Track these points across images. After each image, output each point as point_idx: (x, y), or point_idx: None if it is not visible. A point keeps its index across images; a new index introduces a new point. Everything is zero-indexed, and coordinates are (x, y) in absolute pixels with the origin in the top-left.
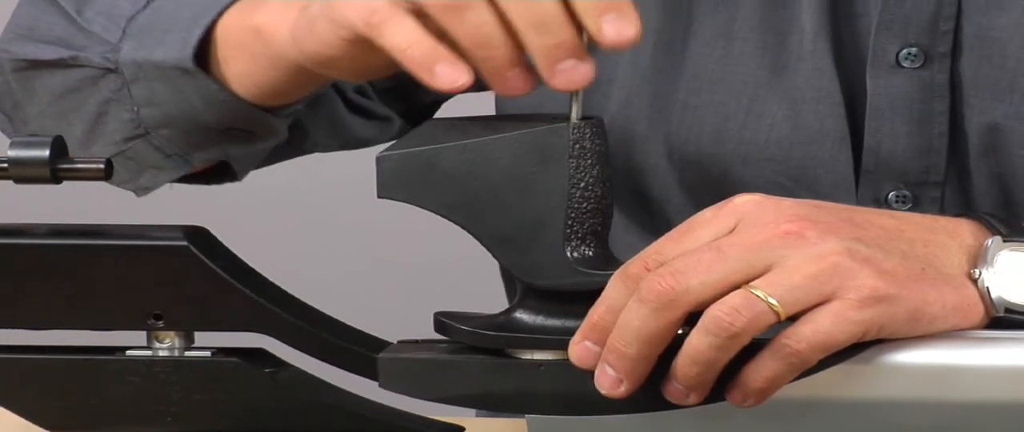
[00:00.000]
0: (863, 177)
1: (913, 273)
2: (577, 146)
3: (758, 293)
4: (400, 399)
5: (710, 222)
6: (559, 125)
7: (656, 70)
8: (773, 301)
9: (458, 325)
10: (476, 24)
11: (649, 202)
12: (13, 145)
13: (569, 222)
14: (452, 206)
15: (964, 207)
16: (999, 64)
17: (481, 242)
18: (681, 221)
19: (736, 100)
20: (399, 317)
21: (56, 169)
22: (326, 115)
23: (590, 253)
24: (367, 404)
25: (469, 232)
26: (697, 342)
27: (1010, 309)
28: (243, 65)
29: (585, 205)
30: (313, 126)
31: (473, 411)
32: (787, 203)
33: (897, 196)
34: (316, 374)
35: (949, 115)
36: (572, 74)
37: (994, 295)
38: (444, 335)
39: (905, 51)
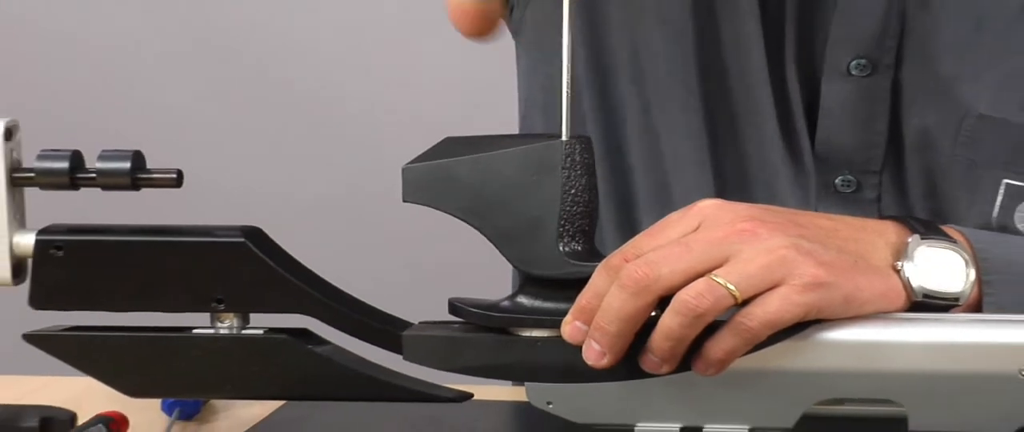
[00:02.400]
0: (817, 166)
1: (847, 264)
2: (569, 159)
3: (719, 280)
4: (421, 370)
5: (678, 222)
6: (554, 142)
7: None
8: (731, 287)
9: (468, 308)
10: None
11: (630, 208)
12: (100, 158)
13: (561, 222)
14: (465, 209)
15: (899, 193)
16: (934, 76)
17: (488, 239)
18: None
19: None
20: (419, 302)
21: (136, 178)
22: None
23: (579, 248)
24: (393, 374)
25: (478, 230)
26: (669, 321)
27: (927, 295)
28: None
29: (575, 208)
30: None
31: (482, 380)
32: (742, 206)
33: (843, 182)
34: (351, 349)
35: (889, 116)
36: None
37: (914, 284)
38: (457, 317)
39: (855, 62)
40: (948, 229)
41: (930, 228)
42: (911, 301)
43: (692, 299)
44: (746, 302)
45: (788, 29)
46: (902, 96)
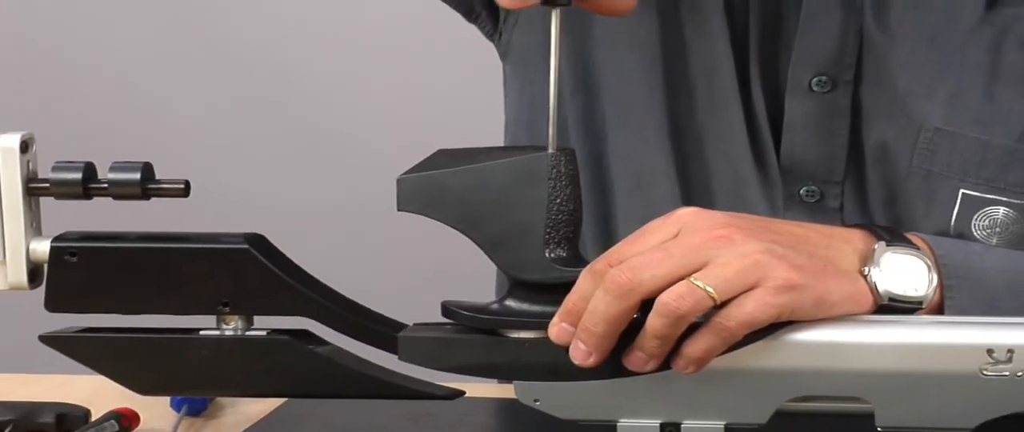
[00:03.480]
0: (783, 177)
1: (818, 268)
2: (554, 171)
3: (698, 283)
4: (415, 369)
5: (658, 229)
6: (540, 154)
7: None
8: (710, 289)
9: (460, 311)
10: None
11: (608, 218)
12: (111, 169)
13: (547, 230)
14: (456, 217)
15: (861, 202)
16: (891, 91)
17: (478, 245)
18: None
19: None
20: (414, 305)
21: (146, 188)
22: None
23: (564, 254)
24: (389, 373)
25: (469, 238)
26: (654, 322)
27: (893, 298)
28: None
29: (560, 216)
30: None
31: (473, 378)
32: (718, 214)
33: (808, 192)
34: (349, 349)
35: (849, 130)
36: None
37: (881, 288)
38: (449, 319)
39: (816, 79)
40: (911, 236)
41: (895, 235)
42: (877, 304)
43: (674, 302)
44: (724, 304)
45: (753, 49)
46: (862, 111)
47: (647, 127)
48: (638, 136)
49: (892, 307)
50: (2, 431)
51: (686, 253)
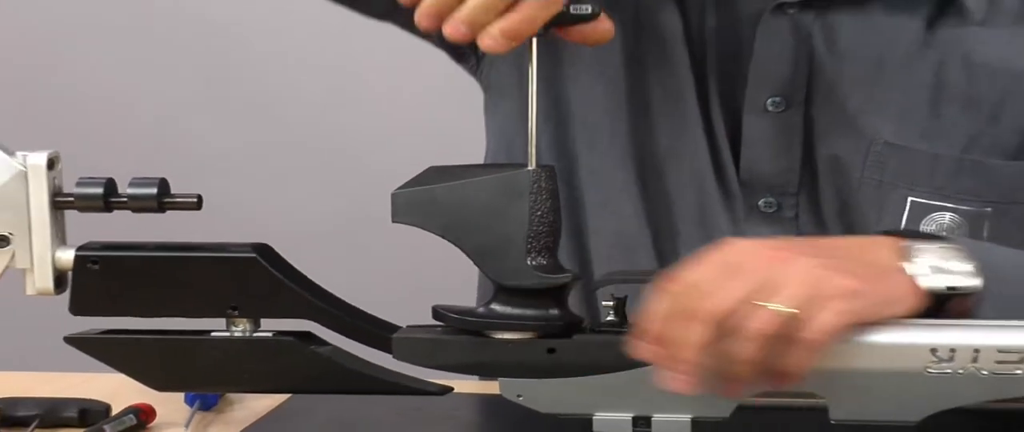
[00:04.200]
0: (742, 190)
1: (872, 273)
2: (535, 186)
3: (775, 306)
4: (408, 367)
5: (716, 257)
6: (523, 171)
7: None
8: (791, 309)
9: (450, 314)
10: None
11: (580, 233)
12: (131, 184)
13: (529, 240)
14: (446, 228)
15: (814, 212)
16: (842, 110)
17: (466, 254)
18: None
19: None
20: (407, 308)
21: (162, 202)
22: None
23: (544, 262)
24: (385, 371)
25: (457, 247)
26: (747, 348)
27: (951, 288)
28: None
29: (541, 228)
30: None
31: (461, 375)
32: (763, 240)
33: (766, 203)
34: (348, 349)
35: (802, 146)
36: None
37: (934, 283)
38: (440, 321)
39: (771, 100)
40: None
41: (915, 236)
42: (932, 297)
43: (761, 326)
44: (802, 320)
45: (712, 74)
46: (813, 128)
47: (614, 149)
48: (606, 158)
49: (948, 297)
50: (29, 425)
51: (754, 277)
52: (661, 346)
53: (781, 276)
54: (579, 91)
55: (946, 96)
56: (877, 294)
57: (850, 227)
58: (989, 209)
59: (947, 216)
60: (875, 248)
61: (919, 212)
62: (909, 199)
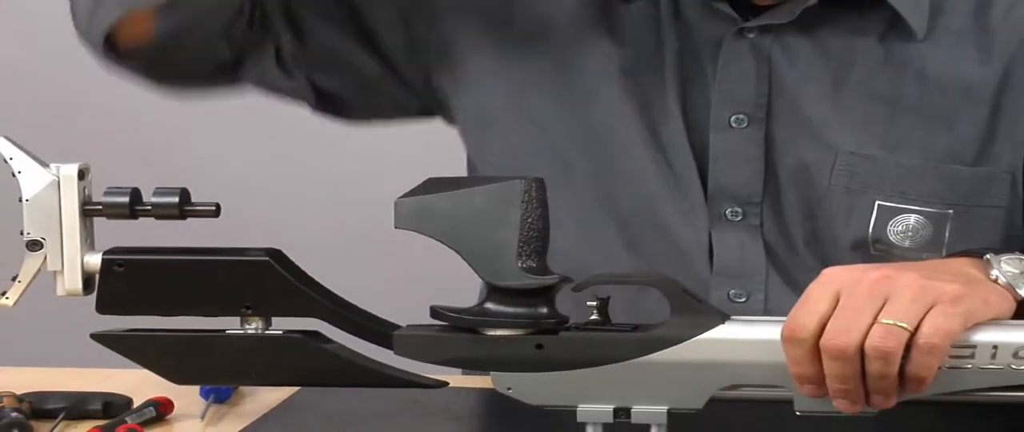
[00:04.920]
0: (710, 200)
1: (965, 280)
2: (527, 195)
3: (890, 322)
4: (408, 362)
5: (821, 291)
6: (515, 181)
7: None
8: (903, 324)
9: (447, 313)
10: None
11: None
12: (154, 194)
13: (521, 244)
14: (444, 234)
15: (778, 218)
16: (806, 124)
17: (462, 257)
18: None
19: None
20: (407, 308)
21: (183, 210)
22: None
23: (534, 265)
24: (386, 366)
25: (454, 251)
26: (874, 367)
27: None
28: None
29: (531, 234)
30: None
31: (457, 371)
32: (857, 266)
33: (732, 212)
34: (352, 346)
35: (764, 159)
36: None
37: (1019, 289)
38: (437, 320)
39: (734, 117)
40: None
41: (988, 249)
42: (1017, 301)
43: (881, 344)
44: (916, 330)
45: (679, 95)
46: (776, 141)
47: (579, 175)
48: (574, 189)
49: None
50: (56, 417)
51: (866, 302)
52: (817, 386)
53: (889, 294)
54: (542, 136)
55: (903, 108)
56: (978, 297)
57: (815, 232)
58: (951, 211)
59: (912, 218)
60: (958, 264)
61: (886, 215)
62: (876, 203)
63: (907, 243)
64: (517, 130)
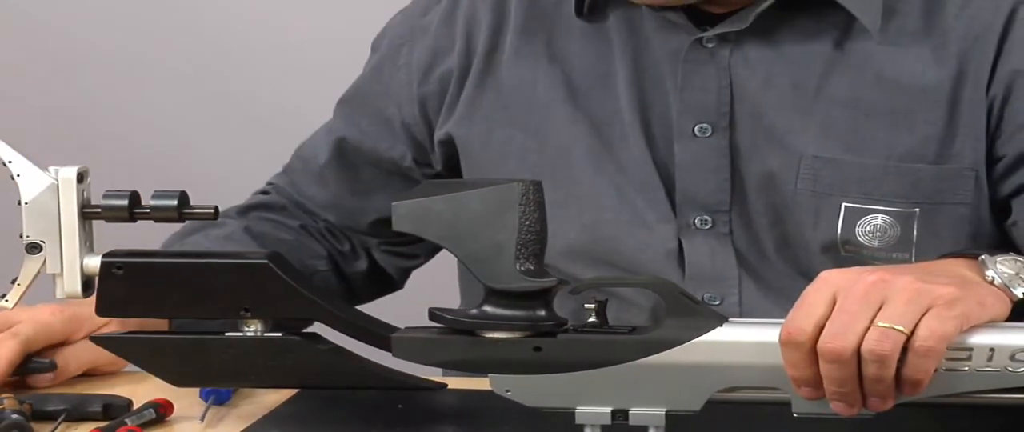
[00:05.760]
0: (678, 209)
1: (959, 282)
2: (524, 198)
3: (886, 325)
4: (406, 365)
5: (818, 294)
6: (512, 184)
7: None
8: (899, 327)
9: (445, 315)
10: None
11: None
12: (153, 196)
13: (518, 247)
14: (442, 236)
15: (746, 225)
16: (769, 131)
17: (460, 259)
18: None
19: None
20: (405, 310)
21: (181, 213)
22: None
23: (532, 267)
24: (384, 368)
25: (452, 253)
26: (870, 370)
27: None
28: None
29: (529, 236)
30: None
31: (455, 372)
32: (853, 269)
33: (700, 220)
34: (351, 348)
35: (730, 167)
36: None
37: (1015, 289)
38: (435, 322)
39: (698, 126)
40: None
41: (983, 251)
42: (1013, 302)
43: (877, 347)
44: (912, 333)
45: (641, 107)
46: (740, 149)
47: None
48: (571, 187)
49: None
50: (57, 419)
51: (862, 306)
52: (814, 389)
53: (885, 297)
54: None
55: (863, 110)
56: (974, 299)
57: (784, 236)
58: (917, 210)
59: (879, 218)
60: (953, 265)
61: (853, 216)
62: (843, 205)
63: (876, 243)
64: (490, 164)
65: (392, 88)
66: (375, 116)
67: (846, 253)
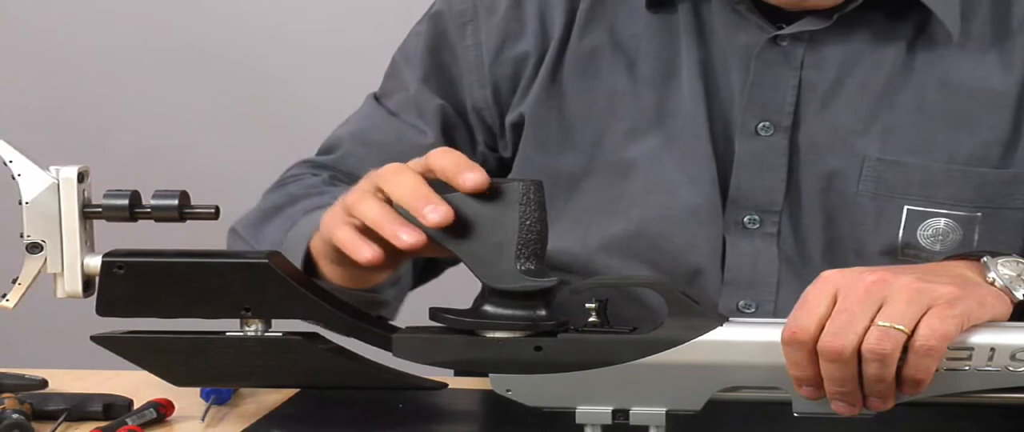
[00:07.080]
0: (727, 207)
1: (960, 282)
2: (525, 197)
3: (886, 324)
4: (407, 364)
5: (820, 294)
6: (513, 183)
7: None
8: (900, 327)
9: (445, 315)
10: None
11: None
12: (154, 196)
13: (519, 246)
14: (442, 235)
15: (795, 228)
16: (833, 132)
17: (461, 259)
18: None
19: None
20: (405, 310)
21: (182, 212)
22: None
23: (532, 267)
24: (384, 368)
25: (454, 252)
26: (871, 369)
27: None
28: (327, 268)
29: (530, 236)
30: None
31: (452, 372)
32: (854, 269)
33: (750, 220)
34: (351, 348)
35: (788, 167)
36: (434, 215)
37: (1016, 290)
38: (436, 322)
39: (761, 124)
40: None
41: (985, 252)
42: (1014, 303)
43: (878, 346)
44: (912, 332)
45: (704, 101)
46: (800, 149)
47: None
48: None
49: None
50: (58, 418)
51: (863, 305)
52: (815, 388)
53: (885, 297)
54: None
55: (927, 114)
56: (974, 298)
57: (835, 240)
58: (979, 214)
59: (941, 222)
60: (955, 266)
61: (915, 219)
62: (905, 208)
63: (937, 247)
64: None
65: (461, 69)
66: (455, 85)
67: (905, 256)
